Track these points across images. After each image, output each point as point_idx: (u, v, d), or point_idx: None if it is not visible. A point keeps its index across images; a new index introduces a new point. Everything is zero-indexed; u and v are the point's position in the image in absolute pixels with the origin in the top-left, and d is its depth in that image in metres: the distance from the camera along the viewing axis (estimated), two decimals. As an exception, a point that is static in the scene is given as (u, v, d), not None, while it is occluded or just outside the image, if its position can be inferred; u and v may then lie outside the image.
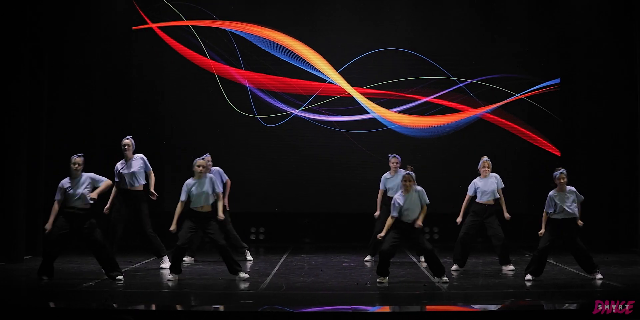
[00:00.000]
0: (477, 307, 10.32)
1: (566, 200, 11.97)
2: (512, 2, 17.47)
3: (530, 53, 17.35)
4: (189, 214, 12.08)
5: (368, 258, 14.46)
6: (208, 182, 12.08)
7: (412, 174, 11.81)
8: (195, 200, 12.06)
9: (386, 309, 10.28)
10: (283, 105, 17.23)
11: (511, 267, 13.10)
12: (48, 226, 11.85)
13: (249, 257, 14.36)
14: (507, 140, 17.07)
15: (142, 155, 13.35)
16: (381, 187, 14.34)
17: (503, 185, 13.22)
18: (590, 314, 9.30)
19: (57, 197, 11.90)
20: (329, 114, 17.23)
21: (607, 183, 16.62)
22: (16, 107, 14.15)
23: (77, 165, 11.93)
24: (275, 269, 13.23)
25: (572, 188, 12.08)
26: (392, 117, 17.26)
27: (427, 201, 11.85)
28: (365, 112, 17.25)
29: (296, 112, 17.23)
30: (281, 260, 14.40)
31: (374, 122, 17.29)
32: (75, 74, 16.35)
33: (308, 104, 17.23)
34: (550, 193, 12.05)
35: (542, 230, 12.05)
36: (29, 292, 11.41)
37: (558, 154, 17.23)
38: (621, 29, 16.18)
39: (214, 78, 17.22)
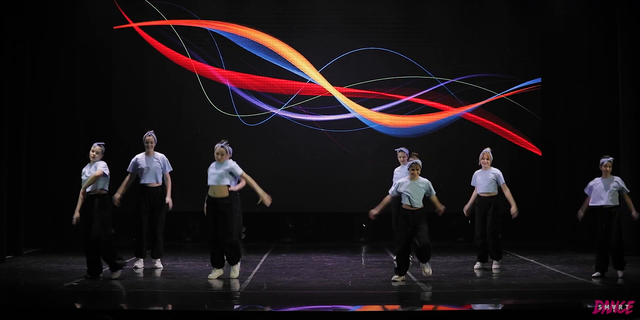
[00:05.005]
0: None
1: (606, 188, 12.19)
2: (493, 2, 17.49)
3: (511, 52, 17.38)
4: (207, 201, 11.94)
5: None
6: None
7: (419, 162, 11.85)
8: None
9: (367, 308, 10.27)
10: (264, 104, 17.21)
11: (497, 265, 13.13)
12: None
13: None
14: (488, 139, 17.03)
15: (163, 155, 13.27)
16: (394, 180, 14.15)
17: (503, 181, 13.16)
18: (590, 314, 9.30)
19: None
20: (310, 114, 17.22)
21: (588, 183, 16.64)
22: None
23: (94, 153, 11.91)
24: (256, 269, 13.20)
25: (617, 178, 12.29)
26: (373, 116, 17.26)
27: (434, 192, 11.86)
28: (346, 111, 17.24)
29: (277, 111, 17.21)
30: (262, 260, 14.37)
31: (354, 121, 17.28)
32: (57, 73, 16.34)
33: (289, 104, 17.21)
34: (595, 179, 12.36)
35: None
36: (10, 292, 11.32)
37: (539, 153, 17.28)
38: (603, 29, 16.19)
39: (195, 77, 17.18)
